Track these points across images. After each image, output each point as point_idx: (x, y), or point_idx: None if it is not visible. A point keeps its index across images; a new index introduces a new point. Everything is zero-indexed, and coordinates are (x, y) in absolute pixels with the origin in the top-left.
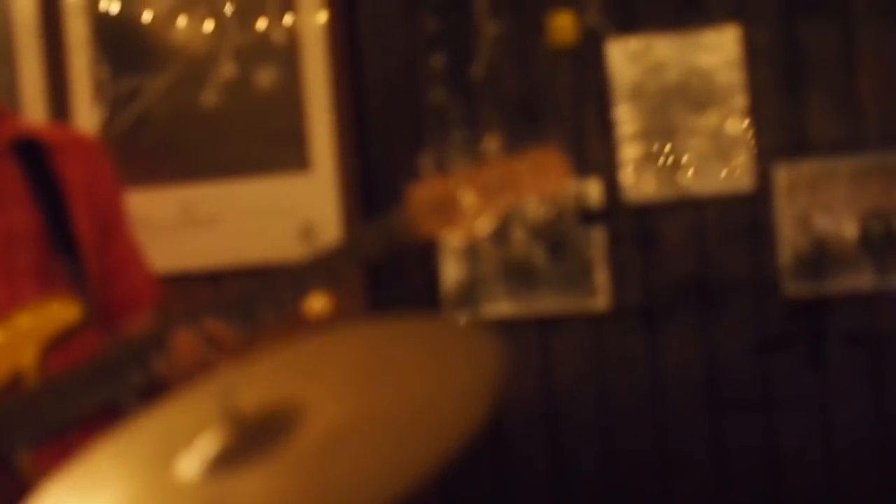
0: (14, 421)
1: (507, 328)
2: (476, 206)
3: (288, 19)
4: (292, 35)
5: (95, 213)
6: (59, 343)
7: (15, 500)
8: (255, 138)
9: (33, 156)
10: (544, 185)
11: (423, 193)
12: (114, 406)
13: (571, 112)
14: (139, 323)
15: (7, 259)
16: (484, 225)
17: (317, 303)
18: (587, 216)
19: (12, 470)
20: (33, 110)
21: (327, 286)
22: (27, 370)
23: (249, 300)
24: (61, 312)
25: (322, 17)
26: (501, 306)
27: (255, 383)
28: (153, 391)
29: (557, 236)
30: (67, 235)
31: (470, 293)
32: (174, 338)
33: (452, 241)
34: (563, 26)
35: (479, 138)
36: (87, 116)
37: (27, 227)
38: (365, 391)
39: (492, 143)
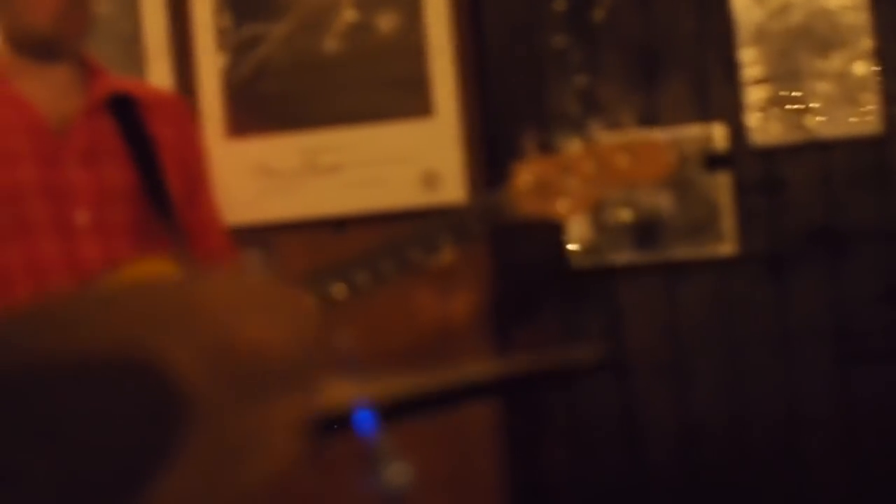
0: None
1: (633, 276)
2: (577, 191)
3: None
4: None
5: (183, 172)
6: None
7: None
8: (377, 85)
9: (128, 112)
10: (646, 174)
11: (526, 173)
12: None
13: (694, 56)
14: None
15: (103, 215)
16: (584, 208)
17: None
18: (712, 161)
19: None
20: (157, 60)
21: (426, 263)
22: None
23: (343, 271)
24: (156, 270)
25: None
26: (627, 254)
27: None
28: None
29: (683, 182)
30: (162, 192)
31: (595, 241)
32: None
33: (552, 221)
34: None
35: (600, 83)
36: (209, 64)
37: (123, 183)
38: None
39: (596, 131)
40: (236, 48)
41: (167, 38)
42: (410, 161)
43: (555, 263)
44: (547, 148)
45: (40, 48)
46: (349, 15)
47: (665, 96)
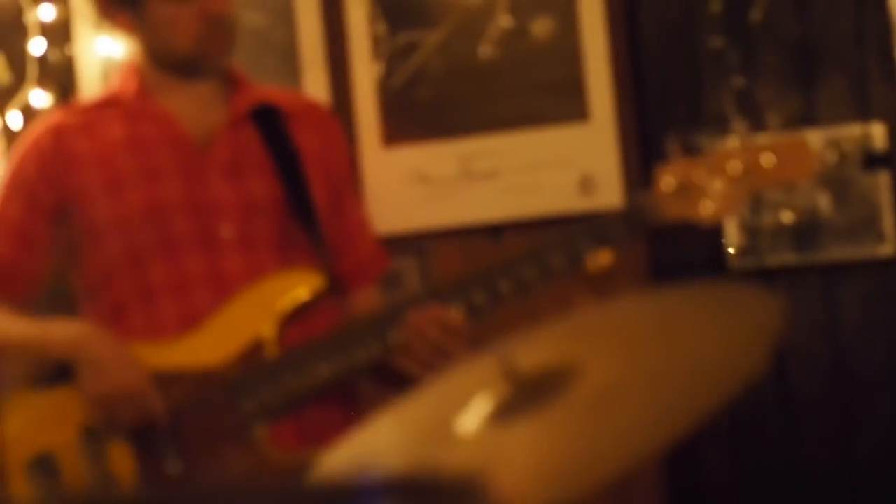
0: (252, 391)
1: (792, 278)
2: (721, 193)
3: None
4: None
5: (328, 182)
6: (298, 313)
7: (250, 472)
8: (533, 90)
9: (272, 122)
10: (790, 175)
11: (670, 176)
12: (349, 380)
13: (852, 55)
14: (367, 296)
15: (247, 228)
16: (729, 210)
17: (599, 257)
18: (871, 160)
19: (249, 442)
20: (312, 69)
21: (570, 269)
22: (266, 340)
23: (487, 279)
24: (301, 283)
25: None
26: (785, 256)
27: (534, 346)
28: (389, 370)
29: (841, 182)
30: (306, 204)
31: (753, 243)
32: (411, 314)
33: (697, 224)
34: None
35: (757, 84)
36: (364, 73)
37: (267, 195)
38: (640, 351)
39: (736, 135)
40: (391, 56)
41: (322, 48)
42: (567, 165)
43: (713, 265)
44: (691, 150)
45: (182, 67)
46: (504, 20)
47: (823, 96)
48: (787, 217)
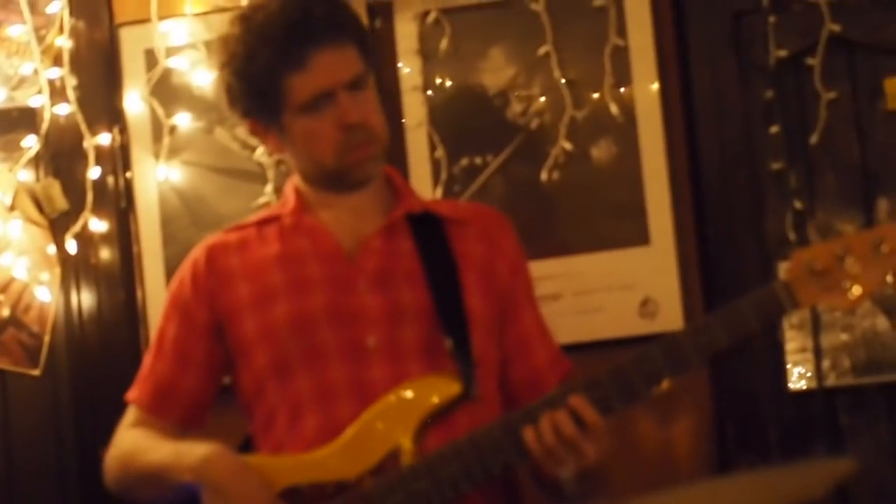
0: (385, 500)
1: (854, 397)
2: (860, 275)
3: (623, 90)
4: (627, 106)
5: (493, 290)
6: (436, 419)
7: None
8: (594, 213)
9: (429, 230)
10: None
11: (806, 258)
12: (486, 482)
13: None
14: None
15: (393, 337)
16: (866, 294)
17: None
18: None
19: None
20: None
21: (707, 354)
22: (404, 446)
23: (622, 380)
24: (440, 388)
25: (656, 86)
26: (847, 377)
27: None
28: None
29: None
30: (455, 312)
31: (813, 362)
32: (545, 414)
33: (833, 309)
34: None
35: (817, 207)
36: (424, 195)
37: (415, 304)
38: None
39: (881, 208)
40: (451, 179)
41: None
42: (629, 289)
43: (776, 386)
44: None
45: (331, 180)
46: (565, 144)
47: (882, 217)
48: (846, 336)
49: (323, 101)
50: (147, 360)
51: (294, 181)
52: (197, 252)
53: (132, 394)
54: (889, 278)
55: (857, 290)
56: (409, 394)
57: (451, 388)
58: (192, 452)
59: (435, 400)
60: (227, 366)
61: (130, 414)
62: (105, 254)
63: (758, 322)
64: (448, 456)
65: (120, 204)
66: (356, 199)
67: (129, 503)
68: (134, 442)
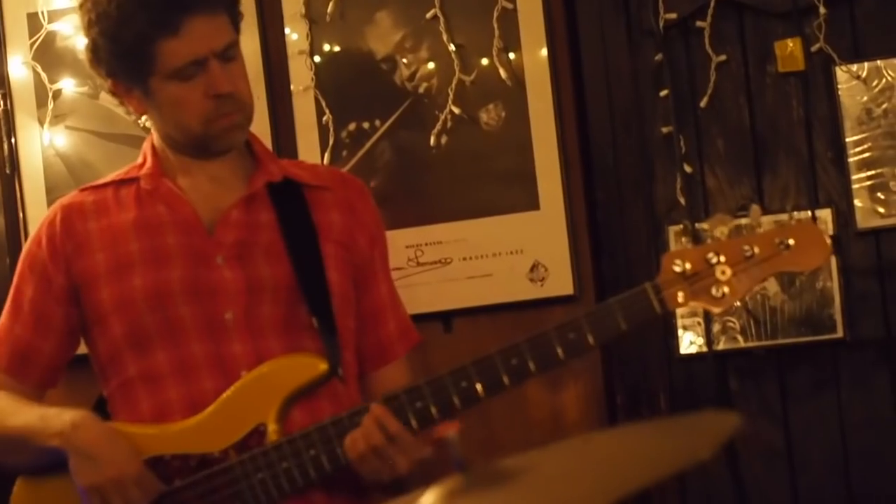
0: (248, 476)
1: (744, 363)
2: (730, 280)
3: (512, 55)
4: (516, 71)
5: (350, 262)
6: (301, 397)
7: None
8: (483, 178)
9: (290, 200)
10: (802, 260)
11: (677, 261)
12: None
13: (801, 141)
14: (391, 374)
15: (252, 312)
16: (737, 297)
17: None
18: None
19: None
20: None
21: (575, 353)
22: (269, 424)
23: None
24: (306, 366)
25: (544, 51)
26: (737, 341)
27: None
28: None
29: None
30: (317, 285)
31: (703, 326)
32: (368, 415)
33: (710, 312)
34: (789, 54)
35: (707, 171)
36: (312, 160)
37: (274, 279)
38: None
39: (754, 213)
40: (338, 145)
41: (270, 137)
42: (517, 255)
43: (665, 352)
44: (697, 237)
45: (195, 147)
46: (454, 108)
47: (772, 182)
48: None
49: (194, 68)
50: (4, 321)
51: (152, 140)
52: (52, 212)
53: None
54: (758, 286)
55: (727, 296)
56: (275, 371)
57: (318, 366)
58: (59, 417)
59: (301, 379)
60: (83, 329)
61: None
62: None
63: (627, 323)
64: (312, 437)
65: (5, 170)
66: (216, 166)
67: None
68: None
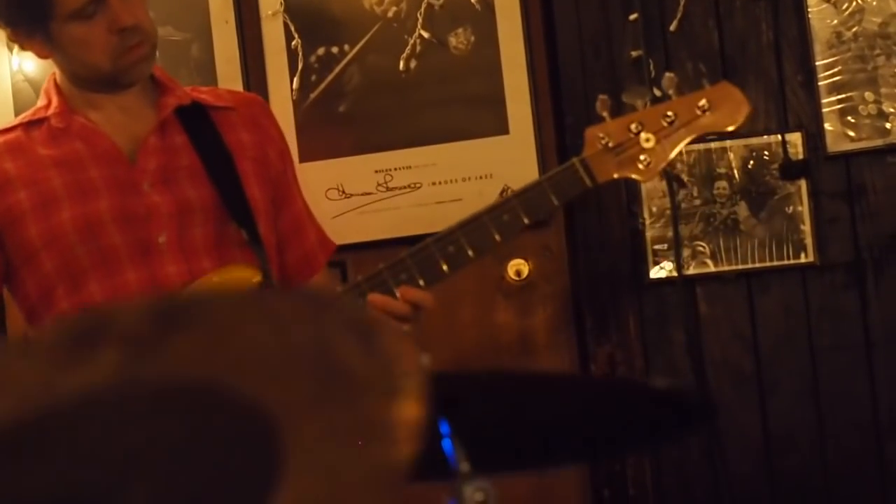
0: None
1: (713, 286)
2: (654, 148)
3: None
4: None
5: (267, 177)
6: None
7: None
8: (453, 103)
9: (200, 124)
10: (723, 120)
11: (602, 136)
12: None
13: (770, 64)
14: (316, 284)
15: (183, 234)
16: (662, 164)
17: (516, 266)
18: (790, 169)
19: None
20: (229, 84)
21: (504, 242)
22: None
23: (426, 259)
24: (241, 277)
25: None
26: (706, 265)
27: None
28: None
29: (760, 192)
30: (240, 203)
31: (673, 251)
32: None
33: (636, 180)
34: None
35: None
36: (281, 88)
37: (200, 200)
38: None
39: (668, 81)
40: (307, 70)
41: (239, 63)
42: (487, 179)
43: (635, 277)
44: (618, 110)
45: (104, 83)
46: (423, 33)
47: None
48: (705, 224)
49: (93, 6)
50: None
51: (54, 79)
52: None
53: None
54: (680, 149)
55: (652, 164)
56: (205, 286)
57: (252, 277)
58: None
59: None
60: (8, 272)
61: None
62: None
63: (558, 199)
64: None
65: None
66: (124, 98)
67: None
68: None
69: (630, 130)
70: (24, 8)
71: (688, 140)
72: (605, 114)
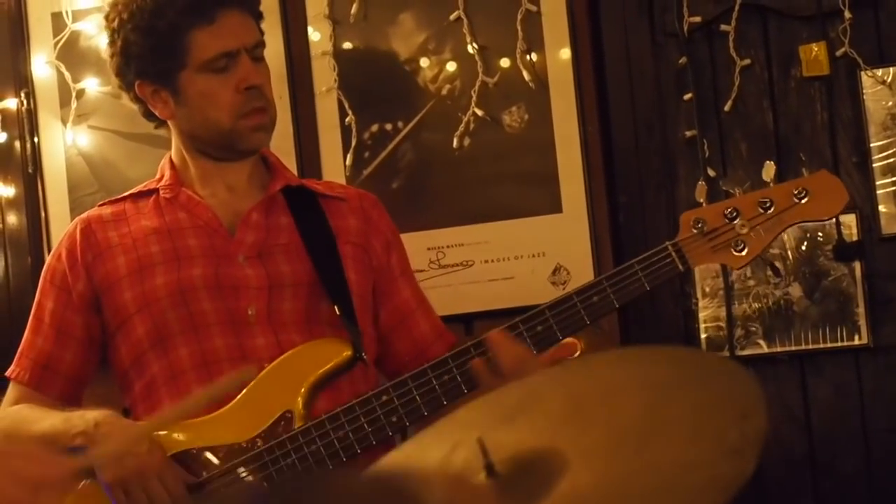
0: (277, 462)
1: (766, 366)
2: (749, 235)
3: (535, 57)
4: (539, 73)
5: (368, 265)
6: (325, 383)
7: None
8: (506, 180)
9: (306, 205)
10: (820, 209)
11: (696, 219)
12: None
13: (824, 145)
14: None
15: (273, 307)
16: (758, 251)
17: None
18: (844, 251)
19: None
20: (283, 158)
21: (598, 316)
22: (295, 410)
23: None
24: (331, 351)
25: (567, 53)
26: (758, 344)
27: (518, 430)
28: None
29: (814, 273)
30: (337, 281)
31: (727, 333)
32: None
33: (730, 266)
34: (814, 58)
35: (730, 175)
36: (335, 163)
37: (293, 274)
38: (623, 450)
39: (768, 171)
40: (361, 145)
41: (292, 138)
42: (541, 257)
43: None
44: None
45: (220, 145)
46: (477, 110)
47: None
48: (759, 306)
49: (226, 60)
50: (27, 335)
51: (170, 155)
52: (72, 226)
53: (12, 370)
54: (777, 236)
55: (746, 250)
56: (298, 358)
57: (343, 351)
58: (82, 418)
59: (327, 363)
60: (106, 338)
61: (12, 391)
62: (12, 219)
63: (649, 282)
64: (339, 418)
65: (27, 169)
66: (233, 174)
67: None
68: (19, 414)
69: (726, 216)
70: (159, 55)
71: (785, 227)
72: (702, 200)
